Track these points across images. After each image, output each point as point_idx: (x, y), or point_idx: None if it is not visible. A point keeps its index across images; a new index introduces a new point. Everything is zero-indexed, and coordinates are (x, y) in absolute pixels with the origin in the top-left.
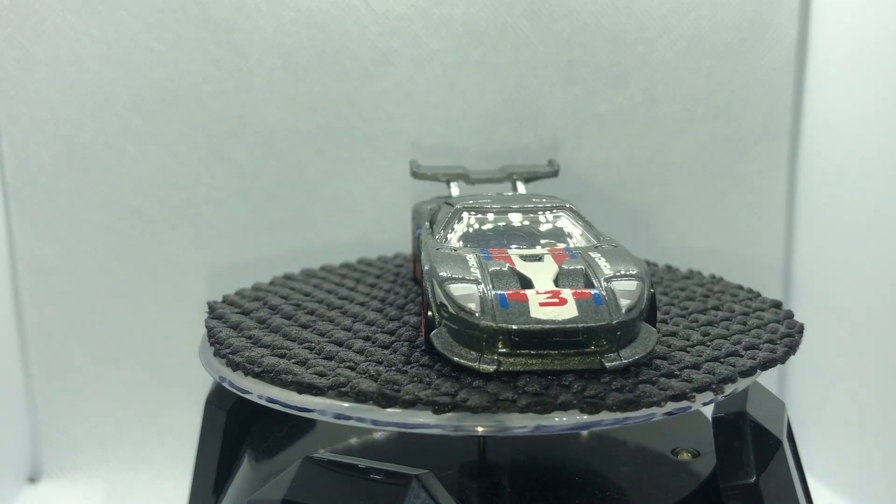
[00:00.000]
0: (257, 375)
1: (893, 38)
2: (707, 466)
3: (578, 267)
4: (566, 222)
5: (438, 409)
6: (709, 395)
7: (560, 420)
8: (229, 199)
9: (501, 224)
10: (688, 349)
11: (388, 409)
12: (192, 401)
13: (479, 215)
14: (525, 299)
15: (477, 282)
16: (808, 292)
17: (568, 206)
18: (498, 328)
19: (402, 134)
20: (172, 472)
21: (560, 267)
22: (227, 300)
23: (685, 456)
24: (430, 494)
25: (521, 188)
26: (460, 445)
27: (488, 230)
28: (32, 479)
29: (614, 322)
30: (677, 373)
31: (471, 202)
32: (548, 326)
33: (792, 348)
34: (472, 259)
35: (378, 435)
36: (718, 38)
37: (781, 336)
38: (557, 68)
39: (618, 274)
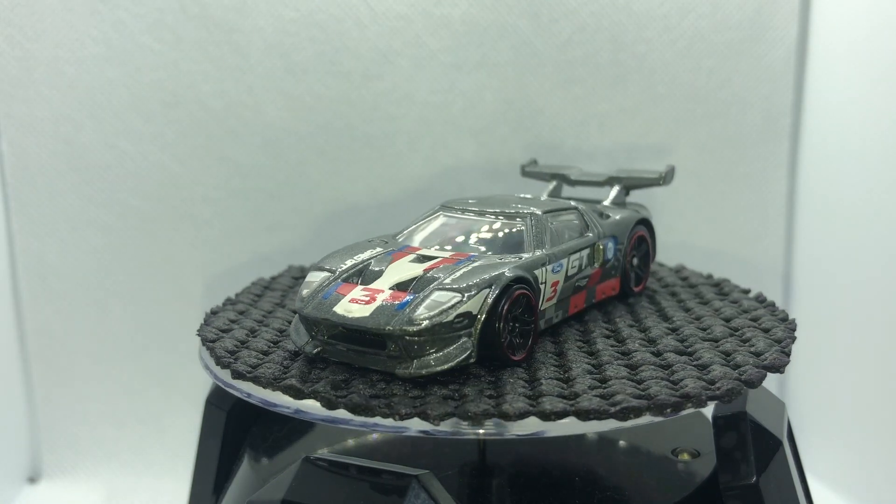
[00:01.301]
0: (204, 345)
1: (894, 38)
2: (707, 466)
3: (438, 275)
4: (521, 231)
5: (235, 376)
6: (470, 429)
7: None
8: (229, 199)
9: (457, 225)
10: (561, 378)
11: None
12: (191, 401)
13: (451, 214)
14: (344, 294)
15: (333, 272)
16: (808, 292)
17: (538, 213)
18: (305, 315)
19: (402, 134)
20: (172, 473)
21: (425, 272)
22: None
23: (685, 456)
24: (430, 495)
25: (612, 195)
26: (461, 446)
27: (440, 230)
28: (32, 479)
29: (395, 329)
30: (469, 395)
31: (456, 202)
32: (334, 320)
33: (674, 408)
34: (368, 253)
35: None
36: (718, 38)
37: (702, 391)
38: (557, 68)
39: (452, 286)
